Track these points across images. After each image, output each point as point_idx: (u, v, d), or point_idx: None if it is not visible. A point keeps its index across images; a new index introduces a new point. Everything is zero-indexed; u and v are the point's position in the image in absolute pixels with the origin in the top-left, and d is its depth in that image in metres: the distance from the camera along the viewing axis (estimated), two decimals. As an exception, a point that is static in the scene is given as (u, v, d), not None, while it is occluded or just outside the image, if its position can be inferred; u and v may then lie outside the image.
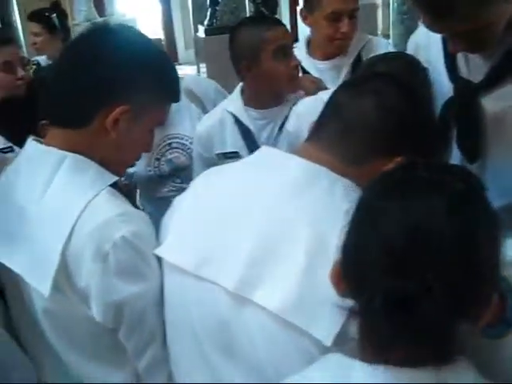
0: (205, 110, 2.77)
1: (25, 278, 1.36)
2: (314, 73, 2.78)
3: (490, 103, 1.69)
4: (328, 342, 1.08)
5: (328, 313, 1.06)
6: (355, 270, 0.97)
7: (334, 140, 1.30)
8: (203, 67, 6.51)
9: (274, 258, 1.18)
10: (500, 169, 1.74)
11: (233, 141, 2.47)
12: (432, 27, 1.61)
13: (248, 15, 7.60)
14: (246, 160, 1.47)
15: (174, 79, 1.52)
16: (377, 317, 0.89)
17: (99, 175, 1.40)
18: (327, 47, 2.77)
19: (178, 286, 1.34)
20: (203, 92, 2.92)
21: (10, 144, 2.49)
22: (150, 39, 1.57)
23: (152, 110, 1.46)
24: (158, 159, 2.69)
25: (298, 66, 2.43)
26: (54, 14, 4.72)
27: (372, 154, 1.28)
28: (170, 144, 2.70)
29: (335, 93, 1.40)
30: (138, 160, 1.60)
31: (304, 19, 2.80)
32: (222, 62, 3.88)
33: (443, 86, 1.82)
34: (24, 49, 6.15)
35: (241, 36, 2.39)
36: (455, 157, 1.84)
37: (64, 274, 1.32)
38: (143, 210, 2.73)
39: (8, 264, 1.40)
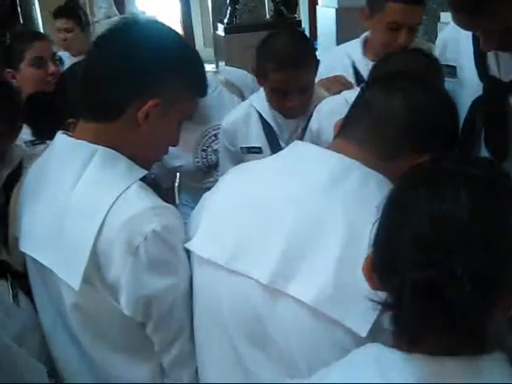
0: (244, 100, 2.77)
1: (55, 271, 1.36)
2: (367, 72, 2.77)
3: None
4: (363, 333, 1.10)
5: (363, 304, 1.06)
6: (386, 261, 0.98)
7: (365, 136, 1.32)
8: (222, 65, 6.51)
9: (307, 251, 1.19)
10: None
11: (257, 136, 2.49)
12: (465, 25, 1.61)
13: (267, 14, 7.61)
14: (279, 154, 1.47)
15: (203, 74, 1.54)
16: (408, 306, 0.91)
17: (129, 169, 1.41)
18: (381, 51, 2.74)
19: (208, 279, 1.35)
20: (241, 82, 2.92)
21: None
22: (179, 34, 1.59)
23: (181, 103, 1.47)
24: (204, 150, 2.74)
25: None
26: (81, 10, 4.75)
27: (402, 150, 1.30)
28: (215, 135, 2.73)
29: (365, 90, 1.42)
30: (165, 154, 1.59)
31: (365, 18, 2.74)
32: (241, 60, 3.90)
33: (472, 85, 1.81)
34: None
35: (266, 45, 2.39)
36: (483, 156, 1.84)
37: (94, 267, 1.32)
38: (186, 204, 2.78)
39: (37, 257, 1.41)
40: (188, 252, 1.40)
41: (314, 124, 2.33)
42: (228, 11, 7.05)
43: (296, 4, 7.43)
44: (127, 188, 1.35)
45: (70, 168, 1.39)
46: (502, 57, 1.74)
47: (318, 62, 2.40)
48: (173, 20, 8.12)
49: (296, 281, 1.18)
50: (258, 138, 2.48)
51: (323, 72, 2.55)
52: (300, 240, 1.21)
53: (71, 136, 1.48)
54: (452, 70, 1.94)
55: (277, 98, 2.37)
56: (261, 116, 2.47)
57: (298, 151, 1.42)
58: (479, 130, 1.82)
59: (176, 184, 3.15)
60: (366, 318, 1.10)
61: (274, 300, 1.21)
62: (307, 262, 1.19)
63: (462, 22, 1.58)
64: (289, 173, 1.34)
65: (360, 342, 1.09)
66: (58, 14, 4.61)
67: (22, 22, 6.12)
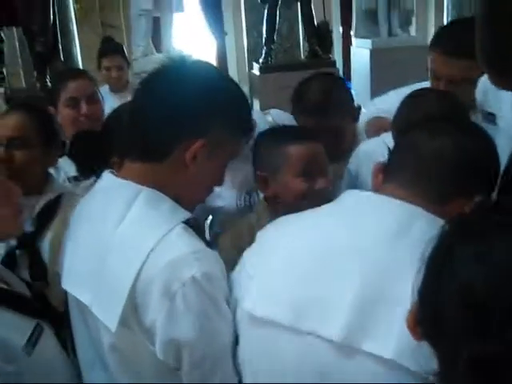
0: None
1: (93, 310, 1.36)
2: None
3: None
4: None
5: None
6: (432, 319, 0.91)
7: (414, 180, 1.31)
8: (256, 103, 6.57)
9: (379, 303, 1.15)
10: None
11: None
12: (497, 84, 1.61)
13: (302, 54, 7.69)
14: (333, 204, 1.42)
15: (249, 114, 1.55)
16: (460, 379, 0.83)
17: (174, 210, 1.39)
18: None
19: (268, 340, 1.31)
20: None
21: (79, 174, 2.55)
22: (226, 74, 1.61)
23: (228, 144, 1.47)
24: (248, 193, 2.73)
25: None
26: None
27: (452, 194, 1.30)
28: None
29: (408, 134, 1.42)
30: (209, 195, 1.59)
31: None
32: (276, 99, 3.94)
33: (511, 135, 1.80)
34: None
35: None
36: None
37: (131, 309, 1.30)
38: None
39: (77, 295, 1.41)
40: (229, 304, 1.38)
41: (351, 166, 2.33)
42: (263, 51, 7.15)
43: (331, 44, 7.51)
44: (170, 230, 1.33)
45: (115, 207, 1.39)
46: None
47: (356, 108, 2.42)
48: (208, 58, 8.21)
49: (371, 336, 1.14)
50: None
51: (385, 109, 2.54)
52: (370, 293, 1.16)
53: (117, 175, 1.49)
54: (491, 118, 1.93)
55: None
56: None
57: (354, 200, 1.38)
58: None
59: (208, 221, 3.15)
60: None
61: (347, 357, 1.17)
62: (380, 315, 1.14)
63: (493, 81, 1.58)
64: (349, 223, 1.30)
65: None
66: (110, 51, 4.64)
67: (62, 59, 6.25)
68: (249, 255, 1.44)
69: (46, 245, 2.16)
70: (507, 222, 0.89)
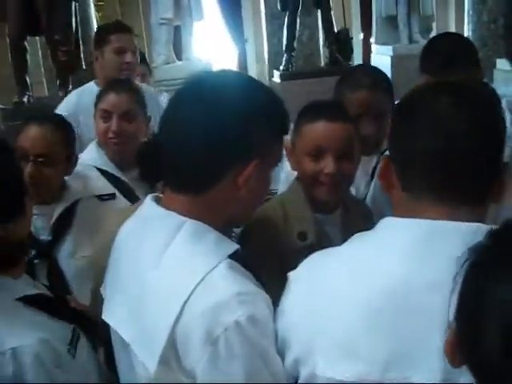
0: None
1: (133, 349, 1.30)
2: None
3: None
4: None
5: None
6: (472, 347, 0.83)
7: (453, 190, 1.18)
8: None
9: None
10: None
11: None
12: None
13: (322, 61, 7.71)
14: (374, 235, 1.27)
15: (286, 111, 1.42)
16: None
17: (218, 244, 1.29)
18: None
19: None
20: None
21: (114, 191, 2.50)
22: (254, 79, 1.50)
23: (274, 152, 1.39)
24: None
25: None
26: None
27: (485, 189, 1.20)
28: None
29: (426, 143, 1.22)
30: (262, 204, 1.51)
31: None
32: (298, 106, 3.94)
33: None
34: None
35: None
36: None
37: (172, 351, 1.23)
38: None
39: (119, 331, 1.36)
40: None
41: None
42: (284, 58, 7.18)
43: (351, 51, 7.53)
44: (213, 268, 1.24)
45: (156, 240, 1.31)
46: None
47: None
48: (229, 66, 8.27)
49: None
50: None
51: None
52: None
53: (160, 203, 1.39)
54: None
55: None
56: None
57: (386, 228, 1.24)
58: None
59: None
60: None
61: None
62: None
63: None
64: (414, 255, 1.16)
65: None
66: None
67: (84, 67, 6.30)
68: (289, 305, 1.29)
69: (64, 253, 2.18)
70: None
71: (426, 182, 1.19)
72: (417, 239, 1.17)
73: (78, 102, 3.37)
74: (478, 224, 1.14)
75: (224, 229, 1.36)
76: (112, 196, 2.51)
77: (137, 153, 2.04)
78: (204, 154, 1.29)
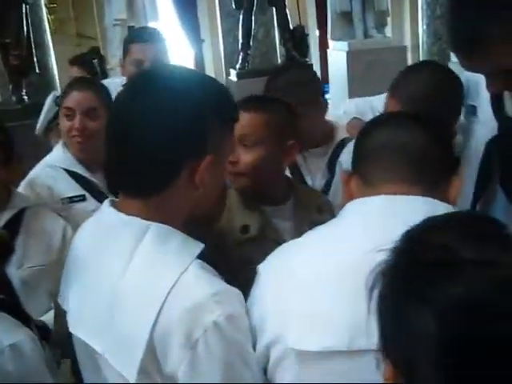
0: None
1: (109, 360, 1.26)
2: None
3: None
4: None
5: None
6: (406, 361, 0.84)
7: (408, 174, 1.31)
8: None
9: None
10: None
11: None
12: (467, 67, 1.62)
13: (279, 59, 7.70)
14: (342, 218, 1.36)
15: (232, 98, 1.41)
16: None
17: (185, 245, 1.28)
18: None
19: (327, 369, 1.22)
20: None
21: (84, 193, 2.47)
22: (203, 74, 1.52)
23: (227, 143, 1.37)
24: None
25: None
26: (95, 59, 4.83)
27: (441, 177, 1.33)
28: None
29: (372, 134, 1.41)
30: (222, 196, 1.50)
31: None
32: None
33: (490, 125, 1.82)
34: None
35: None
36: (499, 197, 1.84)
37: (151, 358, 1.20)
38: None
39: (89, 342, 1.31)
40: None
41: (344, 158, 2.31)
42: (240, 57, 7.15)
43: (307, 48, 7.53)
44: (184, 270, 1.22)
45: (121, 247, 1.28)
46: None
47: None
48: (186, 66, 8.20)
49: None
50: None
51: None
52: None
53: (119, 209, 1.35)
54: (473, 109, 1.95)
55: None
56: None
57: (370, 206, 1.31)
58: (495, 169, 1.82)
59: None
60: None
61: None
62: None
63: (463, 64, 1.60)
64: (375, 231, 1.21)
65: None
66: (73, 62, 4.77)
67: (38, 71, 6.21)
68: (260, 294, 1.33)
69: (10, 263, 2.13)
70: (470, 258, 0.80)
71: (382, 172, 1.31)
72: (375, 213, 1.27)
73: None
74: (432, 199, 1.25)
75: (188, 228, 1.33)
76: (82, 198, 2.47)
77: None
78: (155, 151, 1.26)
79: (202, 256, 1.28)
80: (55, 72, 6.91)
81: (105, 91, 2.61)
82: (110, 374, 1.28)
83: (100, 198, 2.39)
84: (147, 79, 1.36)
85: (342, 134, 2.48)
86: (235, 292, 1.26)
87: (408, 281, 0.84)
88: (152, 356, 1.20)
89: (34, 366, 1.46)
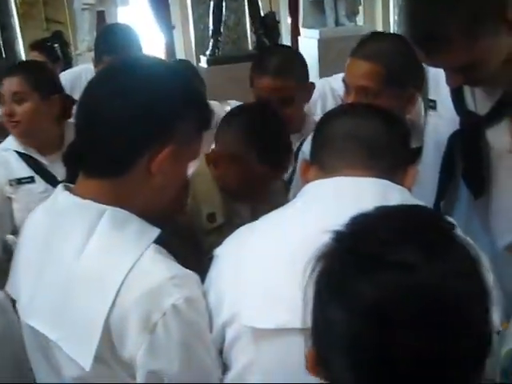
0: None
1: (63, 348, 1.23)
2: None
3: (496, 137, 1.68)
4: None
5: None
6: (326, 364, 0.86)
7: (364, 159, 1.34)
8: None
9: None
10: (506, 204, 1.73)
11: None
12: (427, 62, 1.62)
13: (250, 46, 7.67)
14: (299, 200, 1.38)
15: (208, 105, 1.41)
16: None
17: (142, 230, 1.27)
18: None
19: (284, 347, 1.21)
20: None
21: (33, 175, 2.49)
22: (176, 67, 1.56)
23: (192, 142, 1.35)
24: None
25: None
26: (57, 44, 4.76)
27: (396, 164, 1.36)
28: None
29: (329, 122, 1.45)
30: (181, 205, 1.45)
31: None
32: (224, 90, 3.91)
33: (451, 119, 1.81)
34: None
35: None
36: (462, 191, 1.83)
37: (107, 345, 1.19)
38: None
39: (42, 330, 1.28)
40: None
41: (306, 145, 2.25)
42: (210, 43, 7.10)
43: (278, 35, 7.50)
44: (141, 255, 1.21)
45: (76, 232, 1.25)
46: (477, 90, 1.73)
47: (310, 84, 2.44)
48: (156, 53, 8.14)
49: None
50: None
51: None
52: None
53: (74, 193, 1.33)
54: (433, 104, 1.94)
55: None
56: None
57: (325, 188, 1.34)
58: (457, 163, 1.81)
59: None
60: None
61: None
62: None
63: (421, 58, 1.60)
64: (330, 212, 1.19)
65: None
66: (32, 47, 4.73)
67: (4, 55, 6.12)
68: (217, 276, 1.34)
69: None
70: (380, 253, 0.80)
71: (340, 160, 1.34)
72: (328, 194, 1.31)
73: None
74: (386, 181, 1.30)
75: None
76: (31, 179, 2.49)
77: None
78: (116, 135, 1.26)
79: (159, 242, 1.26)
80: (23, 57, 6.81)
81: (43, 75, 2.63)
82: (64, 363, 1.25)
83: (49, 179, 2.47)
84: (118, 66, 1.36)
85: (312, 123, 2.45)
86: (193, 275, 1.26)
87: (332, 270, 0.85)
88: (109, 342, 1.18)
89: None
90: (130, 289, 1.18)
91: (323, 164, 1.38)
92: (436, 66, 1.66)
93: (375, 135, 1.35)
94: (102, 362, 1.19)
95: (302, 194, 1.37)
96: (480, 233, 1.83)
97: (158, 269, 1.21)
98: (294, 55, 2.52)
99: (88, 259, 1.22)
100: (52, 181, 2.43)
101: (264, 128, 1.80)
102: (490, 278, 1.17)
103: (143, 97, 1.25)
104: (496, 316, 1.14)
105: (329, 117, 1.48)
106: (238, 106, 2.12)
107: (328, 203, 1.28)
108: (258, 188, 1.81)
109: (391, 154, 1.35)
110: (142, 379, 1.19)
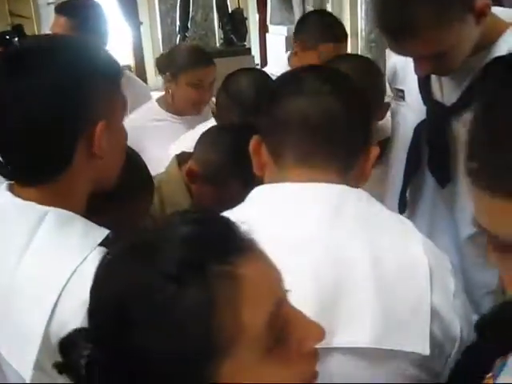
0: None
1: (4, 356, 1.19)
2: None
3: (461, 127, 1.68)
4: (426, 351, 1.05)
5: (413, 324, 1.03)
6: None
7: (318, 155, 1.18)
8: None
9: (341, 294, 1.07)
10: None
11: None
12: (396, 51, 1.63)
13: (217, 42, 7.64)
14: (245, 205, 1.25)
15: (110, 57, 1.31)
16: None
17: (86, 232, 1.20)
18: None
19: None
20: None
21: None
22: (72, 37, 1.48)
23: (116, 104, 1.28)
24: None
25: None
26: (16, 38, 4.68)
27: (355, 155, 1.20)
28: None
29: (282, 103, 1.23)
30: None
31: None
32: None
33: (418, 108, 1.82)
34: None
35: None
36: (428, 180, 1.84)
37: (47, 354, 1.12)
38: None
39: None
40: None
41: None
42: (178, 39, 7.06)
43: (246, 32, 7.47)
44: (84, 259, 1.14)
45: (16, 235, 1.19)
46: (444, 81, 1.74)
47: None
48: (124, 49, 8.08)
49: (341, 329, 1.06)
50: None
51: None
52: (333, 285, 1.08)
53: (17, 194, 1.25)
54: (401, 94, 1.95)
55: None
56: None
57: (273, 194, 1.21)
58: (424, 153, 1.82)
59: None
60: (421, 335, 1.05)
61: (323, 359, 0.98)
62: (344, 305, 1.07)
63: (393, 47, 1.60)
64: (277, 217, 1.16)
65: (424, 363, 1.07)
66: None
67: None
68: None
69: None
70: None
71: (292, 150, 1.19)
72: (279, 201, 1.18)
73: None
74: (341, 186, 1.16)
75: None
76: None
77: None
78: (41, 134, 1.16)
79: (110, 244, 1.17)
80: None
81: None
82: (9, 371, 1.20)
83: None
84: (19, 55, 1.22)
85: None
86: None
87: None
88: (49, 352, 1.11)
89: None
90: (70, 296, 1.12)
91: (276, 151, 1.22)
92: (406, 54, 1.66)
93: (332, 119, 1.17)
94: (43, 372, 1.13)
95: (257, 196, 1.23)
96: (445, 221, 1.85)
97: None
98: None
99: (29, 265, 1.16)
100: None
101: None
102: (451, 283, 1.14)
103: (55, 85, 1.16)
104: (458, 326, 1.12)
105: (283, 89, 1.26)
106: (220, 126, 2.07)
107: (281, 212, 1.17)
108: (231, 204, 1.78)
109: (350, 142, 1.19)
110: None
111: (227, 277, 0.76)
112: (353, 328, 1.05)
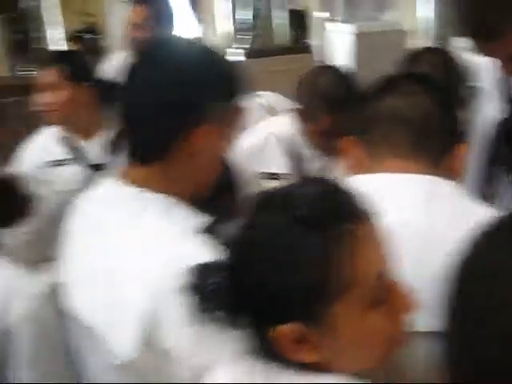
0: None
1: (105, 336, 1.24)
2: None
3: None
4: None
5: None
6: None
7: (412, 148, 1.30)
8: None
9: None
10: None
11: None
12: (483, 51, 1.64)
13: (276, 39, 7.63)
14: None
15: (235, 76, 1.41)
16: None
17: (188, 217, 1.28)
18: None
19: None
20: (281, 107, 2.96)
21: (68, 157, 2.59)
22: (200, 42, 1.57)
23: (226, 118, 1.35)
24: None
25: None
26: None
27: (445, 150, 1.32)
28: None
29: (376, 102, 1.38)
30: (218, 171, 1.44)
31: None
32: (262, 83, 3.93)
33: (495, 107, 1.82)
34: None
35: None
36: (506, 179, 1.85)
37: (146, 334, 1.18)
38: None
39: (88, 319, 1.30)
40: None
41: None
42: (246, 36, 7.13)
43: (309, 29, 7.47)
44: (184, 244, 1.21)
45: (124, 221, 1.29)
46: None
47: None
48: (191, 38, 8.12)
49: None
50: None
51: None
52: None
53: (122, 181, 1.35)
54: (478, 91, 1.97)
55: None
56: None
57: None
58: (503, 151, 1.83)
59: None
60: None
61: None
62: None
63: (480, 48, 1.62)
64: None
65: None
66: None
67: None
68: None
69: None
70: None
71: (388, 145, 1.31)
72: (375, 189, 1.19)
73: None
74: (434, 178, 1.26)
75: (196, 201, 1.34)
76: (64, 162, 2.61)
77: None
78: (153, 120, 1.30)
79: (210, 231, 1.23)
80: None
81: (74, 65, 2.70)
82: (107, 351, 1.25)
83: (84, 163, 2.58)
84: (154, 47, 1.40)
85: None
86: None
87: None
88: (149, 331, 1.17)
89: None
90: (165, 281, 1.15)
91: (371, 146, 1.34)
92: (492, 55, 1.68)
93: (425, 117, 1.30)
94: (146, 348, 1.18)
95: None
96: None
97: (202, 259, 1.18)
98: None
99: (134, 250, 1.24)
100: (88, 164, 2.57)
101: None
102: None
103: (174, 86, 1.28)
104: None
105: (376, 91, 1.40)
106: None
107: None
108: None
109: (441, 137, 1.31)
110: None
111: (349, 234, 0.91)
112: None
